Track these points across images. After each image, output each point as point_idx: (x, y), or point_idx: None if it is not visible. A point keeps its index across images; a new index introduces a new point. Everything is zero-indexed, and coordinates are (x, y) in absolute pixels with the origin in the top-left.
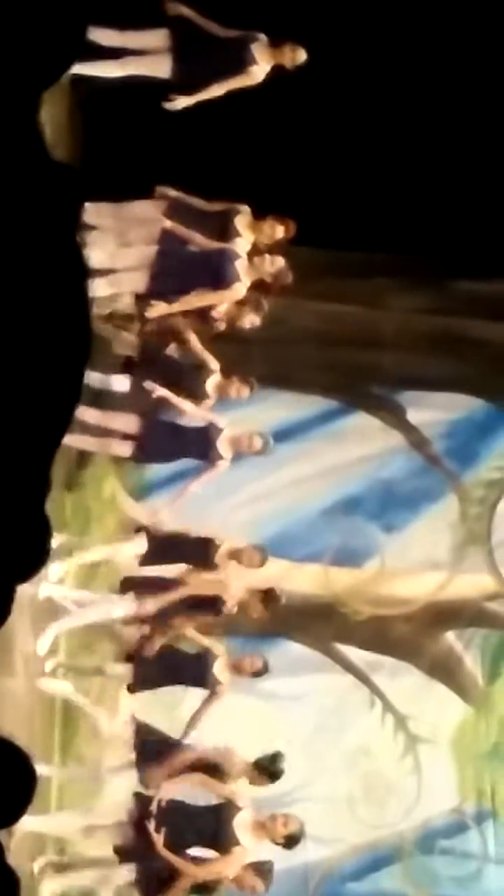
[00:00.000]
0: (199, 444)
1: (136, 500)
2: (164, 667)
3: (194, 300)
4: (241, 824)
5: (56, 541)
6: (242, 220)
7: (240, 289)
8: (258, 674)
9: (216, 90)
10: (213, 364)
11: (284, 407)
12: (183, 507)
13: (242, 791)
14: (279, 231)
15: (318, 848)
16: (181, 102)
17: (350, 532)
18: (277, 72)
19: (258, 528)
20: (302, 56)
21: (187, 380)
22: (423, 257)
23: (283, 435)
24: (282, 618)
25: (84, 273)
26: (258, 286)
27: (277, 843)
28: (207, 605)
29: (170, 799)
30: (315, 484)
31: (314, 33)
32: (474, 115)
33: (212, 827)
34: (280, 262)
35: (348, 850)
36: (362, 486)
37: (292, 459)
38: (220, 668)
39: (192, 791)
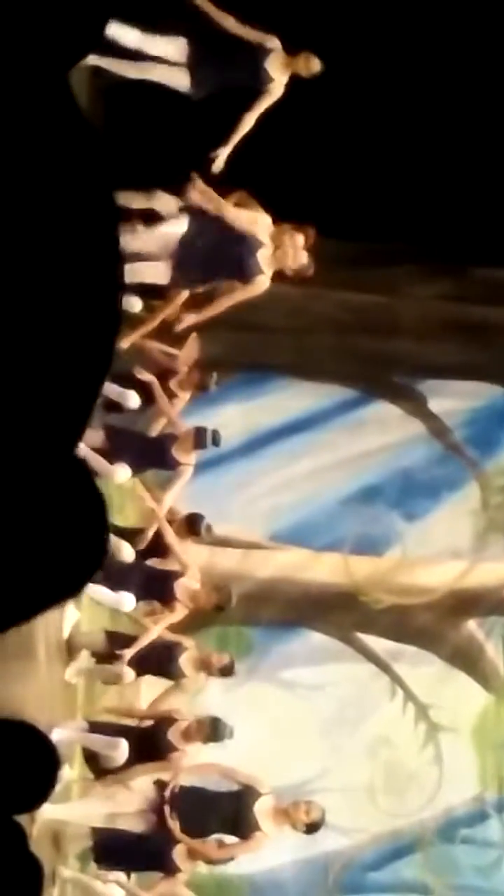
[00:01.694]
0: (158, 453)
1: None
2: (139, 657)
3: (224, 302)
4: (262, 810)
5: None
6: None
7: (263, 281)
8: (225, 671)
9: (247, 123)
10: (182, 364)
11: (304, 396)
12: (202, 498)
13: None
14: (299, 239)
15: (339, 837)
16: (222, 155)
17: (370, 521)
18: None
19: (278, 517)
20: (317, 66)
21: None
22: (442, 245)
23: (303, 424)
24: (302, 607)
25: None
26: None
27: (298, 830)
28: (159, 589)
29: (190, 786)
30: (335, 473)
31: (324, 35)
32: (493, 104)
33: (233, 813)
34: (304, 257)
35: (369, 839)
36: (383, 474)
37: (312, 449)
38: (185, 661)
39: (212, 778)
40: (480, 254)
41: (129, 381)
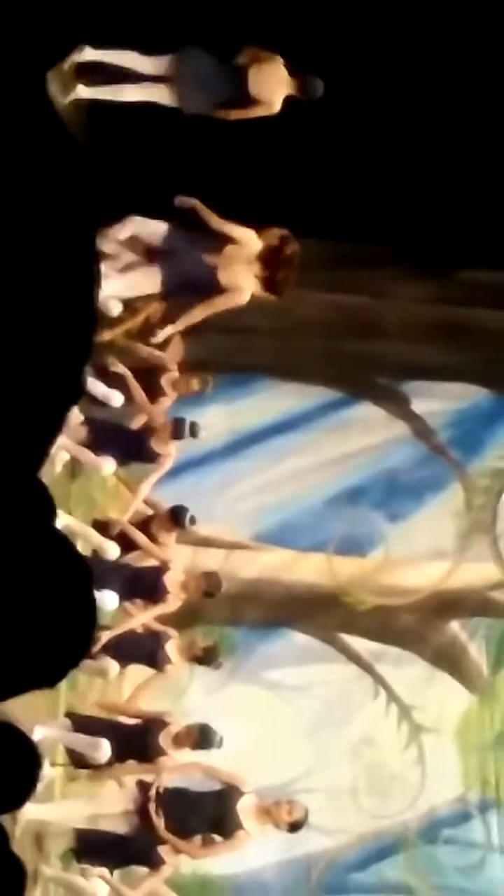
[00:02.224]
0: (138, 445)
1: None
2: (120, 647)
3: (201, 311)
4: (245, 809)
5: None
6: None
7: (241, 294)
8: (209, 656)
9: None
10: (170, 363)
11: (288, 397)
12: (185, 499)
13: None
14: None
15: (322, 838)
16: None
17: (354, 521)
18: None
19: (262, 517)
20: (317, 86)
21: (143, 378)
22: (427, 248)
23: (288, 425)
24: (286, 607)
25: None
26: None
27: (281, 829)
28: (149, 586)
29: (174, 787)
30: (319, 474)
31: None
32: (476, 108)
33: (215, 812)
34: (289, 275)
35: (352, 840)
36: (366, 475)
37: (296, 449)
38: (170, 648)
39: (195, 778)
40: (464, 256)
41: (109, 376)
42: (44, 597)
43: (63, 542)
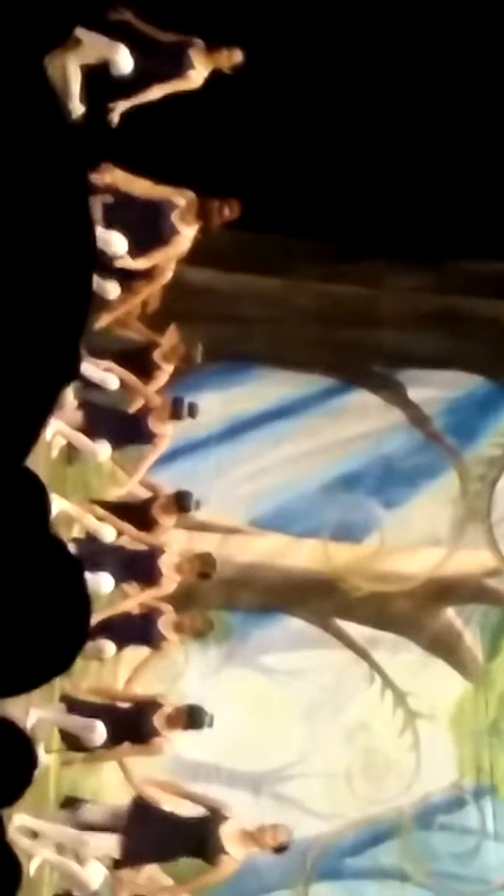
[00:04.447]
0: (134, 427)
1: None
2: (115, 628)
3: (147, 260)
4: (228, 834)
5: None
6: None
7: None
8: (203, 629)
9: (155, 93)
10: (158, 338)
11: (284, 385)
12: (182, 484)
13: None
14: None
15: (316, 823)
16: (120, 107)
17: (350, 508)
18: (216, 75)
19: (257, 503)
20: (238, 57)
21: (135, 358)
22: (421, 238)
23: (283, 411)
24: (281, 593)
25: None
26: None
27: (265, 852)
28: (144, 569)
29: (156, 808)
30: (315, 460)
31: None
32: (469, 99)
33: (198, 837)
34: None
35: (346, 825)
36: (362, 462)
37: (292, 436)
38: (164, 624)
39: (178, 801)
40: (459, 247)
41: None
42: (35, 588)
43: (50, 533)
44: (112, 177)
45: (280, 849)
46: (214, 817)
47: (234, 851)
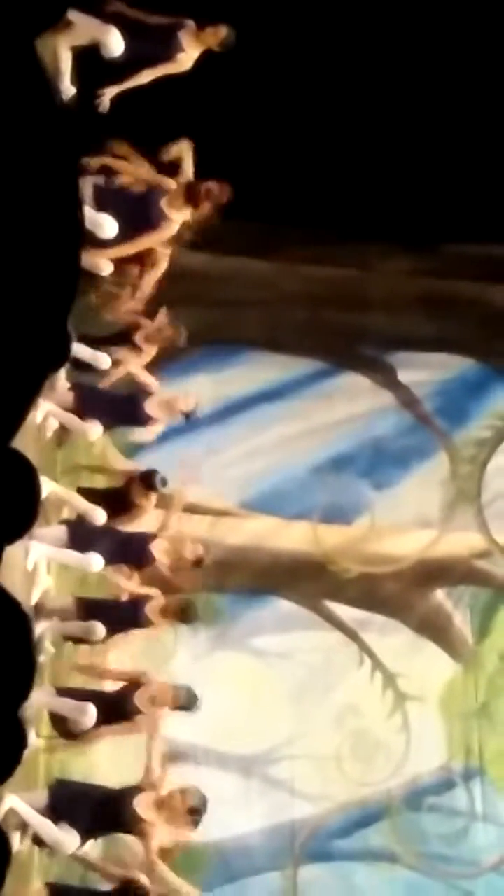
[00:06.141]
0: (129, 409)
1: (126, 459)
2: (102, 612)
3: (130, 246)
4: (143, 804)
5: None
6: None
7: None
8: (187, 614)
9: (145, 77)
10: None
11: (274, 368)
12: (173, 465)
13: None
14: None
15: (306, 804)
16: (110, 92)
17: (340, 490)
18: (206, 55)
19: (248, 485)
20: (223, 32)
21: (118, 340)
22: (411, 221)
23: (273, 394)
24: (271, 574)
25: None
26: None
27: (183, 820)
28: (134, 552)
29: (76, 784)
30: (305, 442)
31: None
32: (462, 85)
33: (114, 810)
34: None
35: (335, 807)
36: (353, 444)
37: (282, 418)
38: (152, 609)
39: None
40: (449, 230)
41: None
42: None
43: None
44: (121, 150)
45: (194, 812)
46: (129, 791)
47: (152, 818)
